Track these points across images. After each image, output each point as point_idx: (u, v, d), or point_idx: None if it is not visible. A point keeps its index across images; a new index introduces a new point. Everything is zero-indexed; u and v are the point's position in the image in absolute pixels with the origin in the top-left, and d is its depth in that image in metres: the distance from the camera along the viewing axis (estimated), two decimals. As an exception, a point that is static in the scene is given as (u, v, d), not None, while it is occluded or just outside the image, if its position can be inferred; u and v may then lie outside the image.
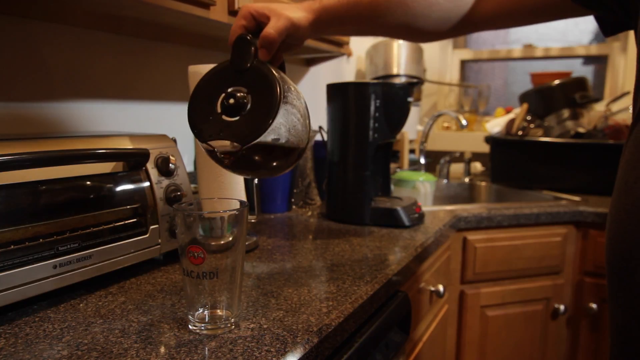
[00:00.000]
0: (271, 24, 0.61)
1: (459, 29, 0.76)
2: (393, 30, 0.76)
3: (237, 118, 0.53)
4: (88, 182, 0.62)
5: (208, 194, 0.79)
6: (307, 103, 0.60)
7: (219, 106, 0.54)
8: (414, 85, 1.92)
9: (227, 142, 0.53)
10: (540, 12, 0.71)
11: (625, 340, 0.52)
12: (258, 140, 0.52)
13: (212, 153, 0.55)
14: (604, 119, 1.70)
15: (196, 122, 0.55)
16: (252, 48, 0.57)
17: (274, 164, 0.57)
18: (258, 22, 0.62)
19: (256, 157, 0.55)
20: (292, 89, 0.57)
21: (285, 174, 1.13)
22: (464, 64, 2.34)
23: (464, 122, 1.61)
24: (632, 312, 0.50)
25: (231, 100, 0.53)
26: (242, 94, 0.53)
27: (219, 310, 0.52)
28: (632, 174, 0.51)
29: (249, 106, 0.53)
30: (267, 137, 0.52)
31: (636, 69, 0.55)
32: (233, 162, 0.54)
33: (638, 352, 0.50)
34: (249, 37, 0.58)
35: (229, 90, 0.54)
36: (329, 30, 0.72)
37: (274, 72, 0.55)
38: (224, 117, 0.54)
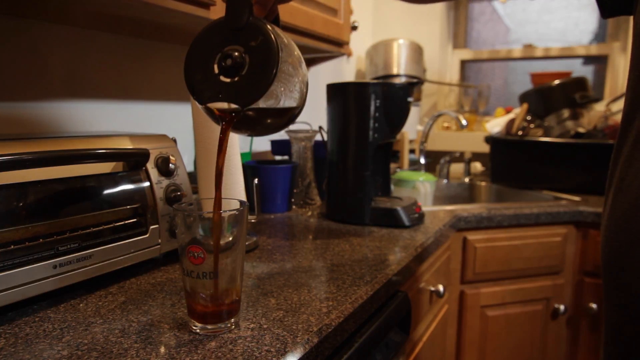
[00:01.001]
0: None
1: None
2: None
3: (235, 79, 0.52)
4: (88, 182, 0.62)
5: (208, 194, 0.79)
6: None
7: (215, 67, 0.53)
8: (414, 85, 1.92)
9: (227, 104, 0.52)
10: None
11: (619, 339, 0.52)
12: (257, 102, 0.51)
13: (211, 114, 0.55)
14: (604, 119, 1.70)
15: (194, 84, 0.54)
16: (247, 5, 0.55)
17: (269, 120, 0.57)
18: None
19: (252, 114, 0.54)
20: (290, 48, 0.56)
21: (285, 174, 1.14)
22: (464, 64, 2.34)
23: (464, 122, 1.61)
24: (626, 311, 0.50)
25: (228, 61, 0.52)
26: (239, 53, 0.52)
27: (219, 310, 0.52)
28: (629, 172, 0.51)
29: (246, 66, 0.52)
30: (266, 98, 0.52)
31: (631, 60, 0.55)
32: (233, 123, 0.54)
33: (632, 351, 0.50)
34: None
35: (226, 49, 0.53)
36: None
37: (271, 30, 0.53)
38: (221, 77, 0.53)
